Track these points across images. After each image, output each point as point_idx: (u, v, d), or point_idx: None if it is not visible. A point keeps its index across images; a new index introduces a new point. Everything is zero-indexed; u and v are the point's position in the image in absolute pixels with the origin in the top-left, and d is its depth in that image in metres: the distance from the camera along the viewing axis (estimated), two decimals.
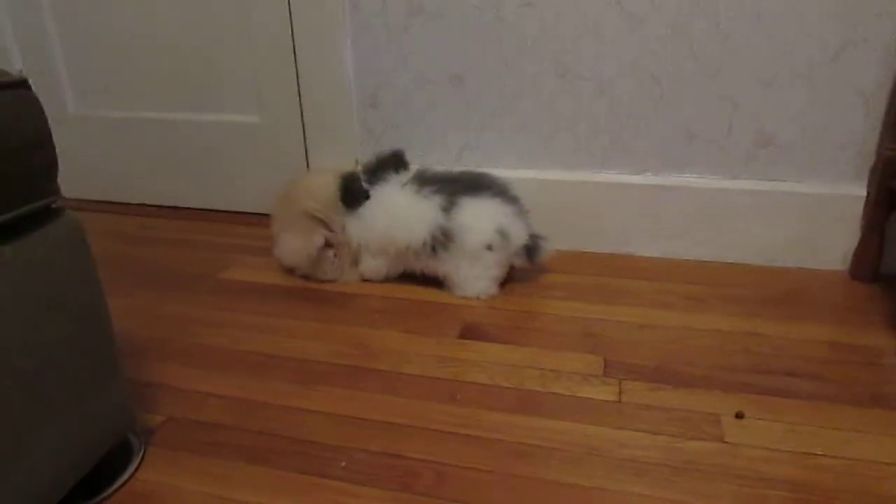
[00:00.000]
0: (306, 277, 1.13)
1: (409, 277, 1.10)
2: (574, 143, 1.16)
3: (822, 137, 1.06)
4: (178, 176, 1.46)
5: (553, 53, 1.11)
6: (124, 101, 1.44)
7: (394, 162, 1.08)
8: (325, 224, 1.08)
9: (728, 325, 0.95)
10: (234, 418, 0.78)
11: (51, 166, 0.58)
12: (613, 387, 0.81)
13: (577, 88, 1.12)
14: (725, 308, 0.99)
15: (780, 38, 1.01)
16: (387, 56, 1.20)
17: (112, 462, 0.69)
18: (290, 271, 1.15)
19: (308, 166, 1.34)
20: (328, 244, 1.08)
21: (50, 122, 0.58)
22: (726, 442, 0.71)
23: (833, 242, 1.09)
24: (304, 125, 1.31)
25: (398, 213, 1.03)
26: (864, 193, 1.06)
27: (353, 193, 1.06)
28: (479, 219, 1.00)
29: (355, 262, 1.11)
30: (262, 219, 1.34)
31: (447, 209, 1.00)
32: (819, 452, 0.70)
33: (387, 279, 1.11)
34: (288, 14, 1.22)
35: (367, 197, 1.06)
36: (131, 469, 0.70)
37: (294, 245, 1.09)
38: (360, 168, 1.12)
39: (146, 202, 1.52)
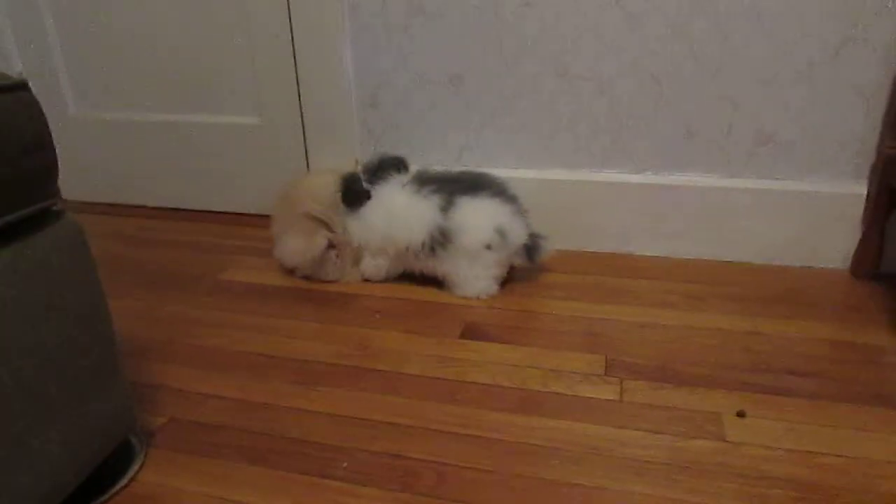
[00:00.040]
0: (307, 278, 1.13)
1: (409, 277, 1.10)
2: (574, 143, 1.16)
3: (823, 136, 1.06)
4: (178, 177, 1.46)
5: (553, 53, 1.11)
6: (124, 102, 1.44)
7: (394, 163, 1.08)
8: (326, 225, 1.08)
9: (729, 324, 0.94)
10: (235, 419, 0.78)
11: (51, 169, 0.58)
12: (615, 386, 0.81)
13: (577, 88, 1.12)
14: (726, 307, 0.99)
15: (779, 38, 1.01)
16: (387, 56, 1.20)
17: (114, 464, 0.69)
18: (290, 272, 1.15)
19: (308, 167, 1.34)
20: (330, 245, 1.08)
21: (50, 124, 0.58)
22: (728, 441, 0.71)
23: (833, 241, 1.09)
24: (303, 126, 1.31)
25: (398, 213, 1.03)
26: (865, 192, 1.06)
27: (354, 194, 1.06)
28: (477, 218, 1.00)
29: (356, 262, 1.11)
30: (262, 220, 1.34)
31: (445, 209, 1.00)
32: (820, 451, 0.70)
33: (387, 279, 1.11)
34: (287, 15, 1.22)
35: (368, 197, 1.06)
36: (133, 471, 0.70)
37: (296, 246, 1.09)
38: (360, 168, 1.12)
39: (146, 203, 1.52)
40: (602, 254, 1.19)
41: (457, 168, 1.12)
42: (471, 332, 0.95)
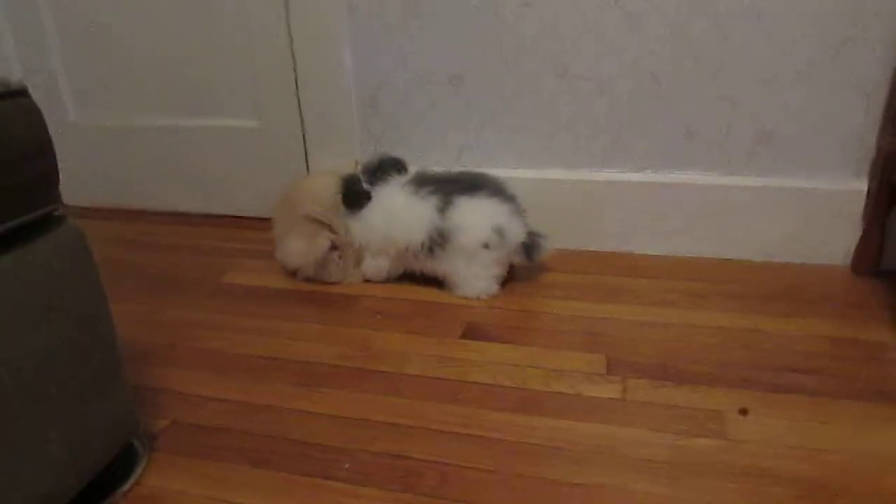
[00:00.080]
0: (308, 280, 1.13)
1: (410, 278, 1.10)
2: (574, 143, 1.16)
3: (823, 133, 1.06)
4: (178, 181, 1.46)
5: (552, 53, 1.11)
6: (124, 107, 1.44)
7: (394, 163, 1.09)
8: (327, 226, 1.08)
9: (730, 322, 0.94)
10: (237, 421, 0.78)
11: (51, 174, 0.58)
12: (617, 385, 0.81)
13: (577, 88, 1.12)
14: (727, 305, 0.99)
15: (779, 36, 1.01)
16: (386, 57, 1.20)
17: (117, 467, 0.69)
18: (291, 274, 1.15)
19: (308, 169, 1.34)
20: (333, 246, 1.08)
21: (50, 130, 0.58)
22: (729, 439, 0.71)
23: (834, 238, 1.09)
24: (303, 128, 1.31)
25: (397, 214, 1.03)
26: (865, 188, 1.06)
27: (354, 195, 1.07)
28: (474, 218, 1.00)
29: (358, 263, 1.12)
30: (262, 223, 1.34)
31: (443, 210, 1.00)
32: (822, 448, 0.70)
33: (388, 280, 1.11)
34: (285, 17, 1.22)
35: (368, 198, 1.06)
36: (136, 474, 0.70)
37: (298, 248, 1.10)
38: (359, 169, 1.12)
39: (147, 208, 1.52)
40: (602, 253, 1.19)
41: (456, 168, 1.12)
42: (472, 332, 0.95)
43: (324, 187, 1.11)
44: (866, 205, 1.05)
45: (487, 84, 1.17)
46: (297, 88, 1.28)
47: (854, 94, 1.02)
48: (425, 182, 1.04)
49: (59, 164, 0.59)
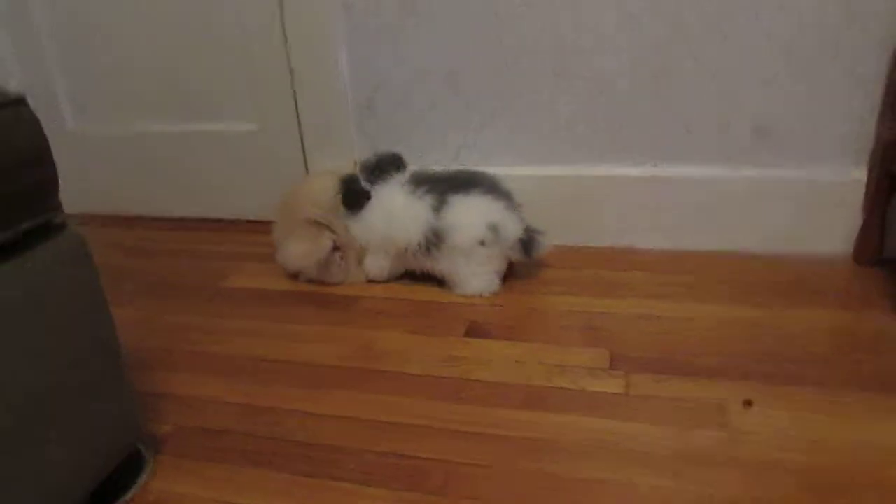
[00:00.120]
0: (310, 282, 1.13)
1: (411, 277, 1.10)
2: (573, 142, 1.16)
3: (821, 123, 1.05)
4: (177, 186, 1.47)
5: (552, 52, 1.11)
6: (121, 114, 1.44)
7: (392, 160, 1.09)
8: (328, 228, 1.08)
9: (732, 314, 0.94)
10: (241, 424, 0.78)
11: (51, 182, 0.59)
12: (620, 379, 0.81)
13: (576, 87, 1.12)
14: (728, 297, 0.99)
15: (778, 28, 1.01)
16: (383, 57, 1.20)
17: (124, 473, 0.69)
18: (292, 276, 1.15)
19: (307, 170, 1.34)
20: (335, 247, 1.08)
21: (49, 138, 0.58)
22: (734, 430, 0.71)
23: (834, 228, 1.09)
24: (301, 130, 1.31)
25: (396, 213, 1.03)
26: (865, 178, 1.05)
27: (354, 195, 1.07)
28: (469, 216, 1.00)
29: (360, 262, 1.12)
30: (262, 225, 1.34)
31: (438, 209, 1.00)
32: (827, 439, 0.70)
33: (390, 279, 1.11)
34: (280, 19, 1.22)
35: (368, 198, 1.06)
36: (143, 479, 0.70)
37: (301, 250, 1.10)
38: (358, 168, 1.11)
39: (145, 214, 1.52)
40: (602, 248, 1.19)
41: (454, 167, 1.12)
42: (473, 331, 0.95)
43: (323, 189, 1.11)
44: (866, 194, 1.05)
45: (486, 83, 1.17)
46: (293, 90, 1.28)
47: (852, 82, 1.02)
48: (422, 181, 1.04)
49: (58, 172, 0.59)
